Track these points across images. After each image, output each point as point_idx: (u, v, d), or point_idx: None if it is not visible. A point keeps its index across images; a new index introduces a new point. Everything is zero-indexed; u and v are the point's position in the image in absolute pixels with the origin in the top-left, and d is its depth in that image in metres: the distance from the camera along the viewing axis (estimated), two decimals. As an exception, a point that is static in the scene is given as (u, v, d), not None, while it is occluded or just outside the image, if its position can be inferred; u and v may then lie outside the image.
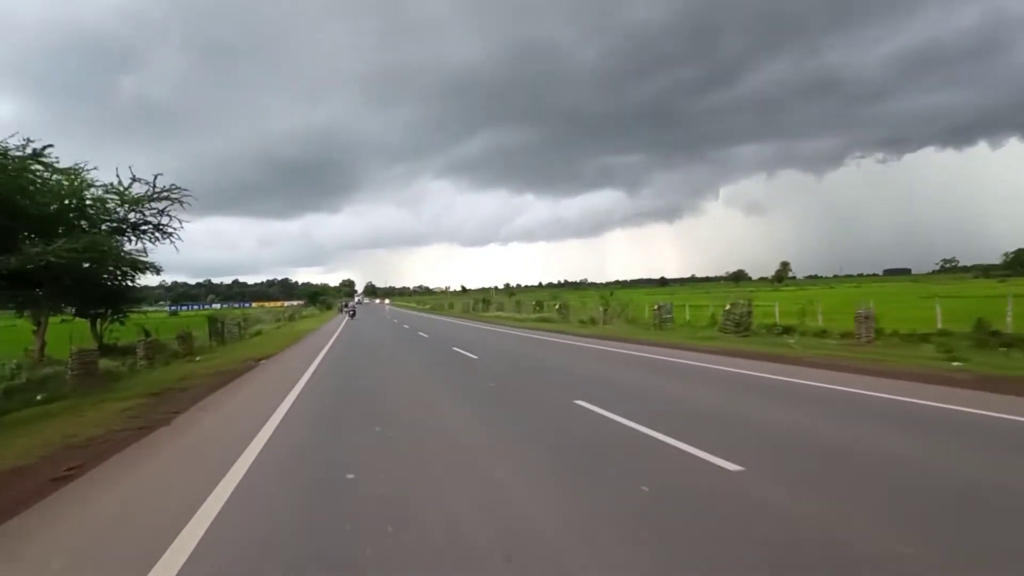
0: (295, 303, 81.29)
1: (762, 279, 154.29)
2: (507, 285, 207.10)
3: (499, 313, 36.56)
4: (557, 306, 30.32)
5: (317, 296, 75.17)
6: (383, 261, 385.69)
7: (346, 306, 48.18)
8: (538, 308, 32.55)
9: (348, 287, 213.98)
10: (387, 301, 77.25)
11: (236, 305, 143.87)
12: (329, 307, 63.95)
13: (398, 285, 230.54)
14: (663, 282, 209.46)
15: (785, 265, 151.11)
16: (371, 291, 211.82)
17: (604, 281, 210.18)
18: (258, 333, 22.60)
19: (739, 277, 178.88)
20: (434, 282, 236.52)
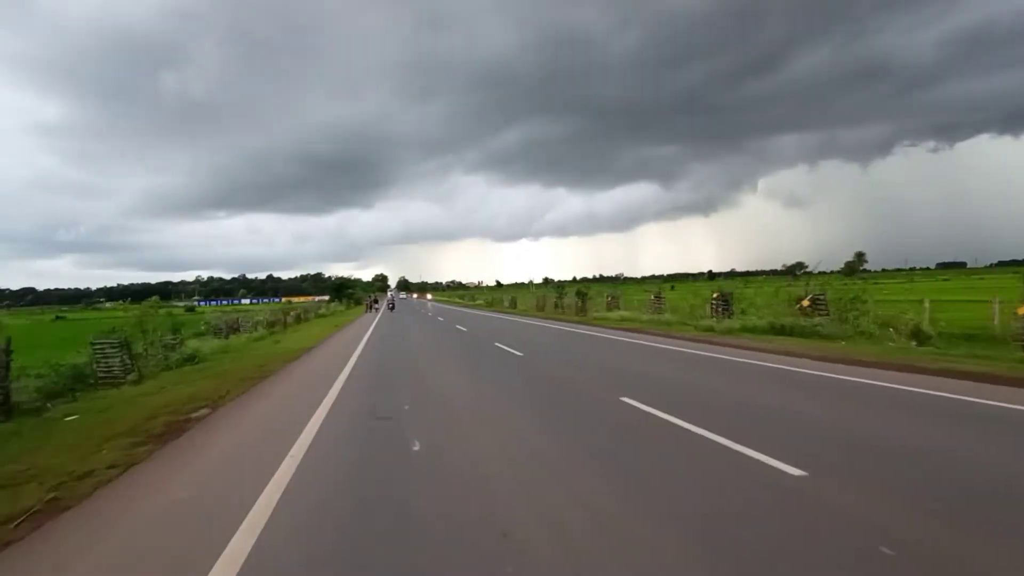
0: (318, 299, 73.02)
1: (807, 273, 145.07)
2: (547, 280, 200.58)
3: (608, 314, 23.65)
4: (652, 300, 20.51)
5: (343, 290, 64.28)
6: (415, 256, 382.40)
7: (375, 302, 38.61)
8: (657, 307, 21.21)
9: (380, 281, 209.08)
10: (429, 296, 65.67)
11: (254, 301, 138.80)
12: (358, 302, 52.44)
13: (430, 280, 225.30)
14: (711, 276, 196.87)
15: (860, 256, 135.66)
16: (404, 285, 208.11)
17: (639, 275, 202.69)
18: (189, 360, 11.76)
19: (795, 270, 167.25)
20: (466, 277, 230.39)
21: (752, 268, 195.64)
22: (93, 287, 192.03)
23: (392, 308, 47.26)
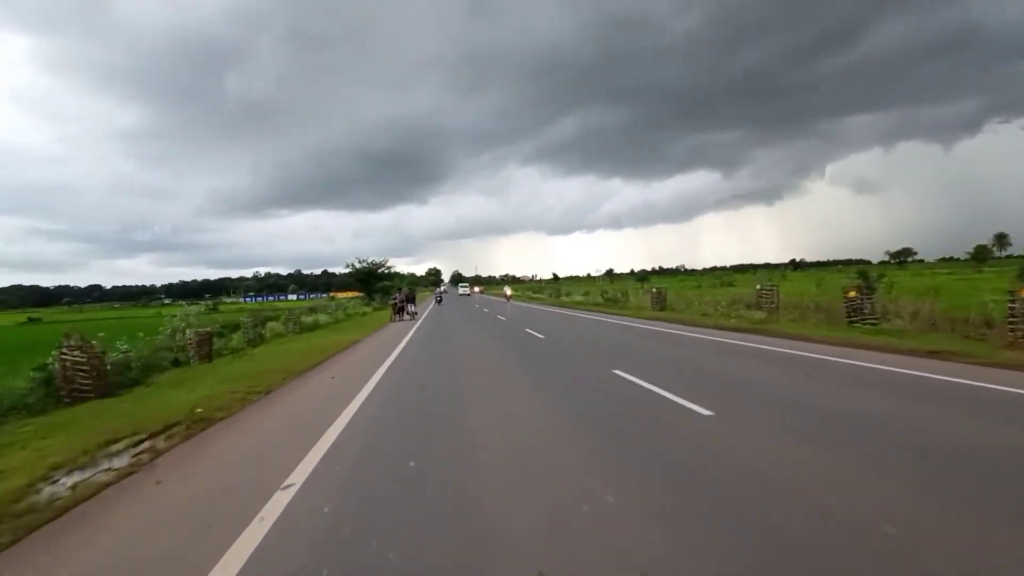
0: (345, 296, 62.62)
1: (882, 263, 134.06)
2: (610, 272, 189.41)
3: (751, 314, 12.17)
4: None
5: (373, 282, 46.84)
6: (469, 251, 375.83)
7: (407, 301, 25.15)
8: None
9: (434, 276, 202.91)
10: (508, 291, 50.60)
11: (301, 296, 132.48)
12: (394, 302, 27.29)
13: (484, 274, 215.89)
14: (795, 265, 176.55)
15: (1002, 239, 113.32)
16: (457, 279, 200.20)
17: (700, 267, 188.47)
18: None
19: (903, 256, 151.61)
20: (520, 271, 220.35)
21: (821, 258, 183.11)
22: (161, 284, 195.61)
23: (439, 301, 44.43)
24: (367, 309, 35.89)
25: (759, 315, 15.92)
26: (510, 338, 13.75)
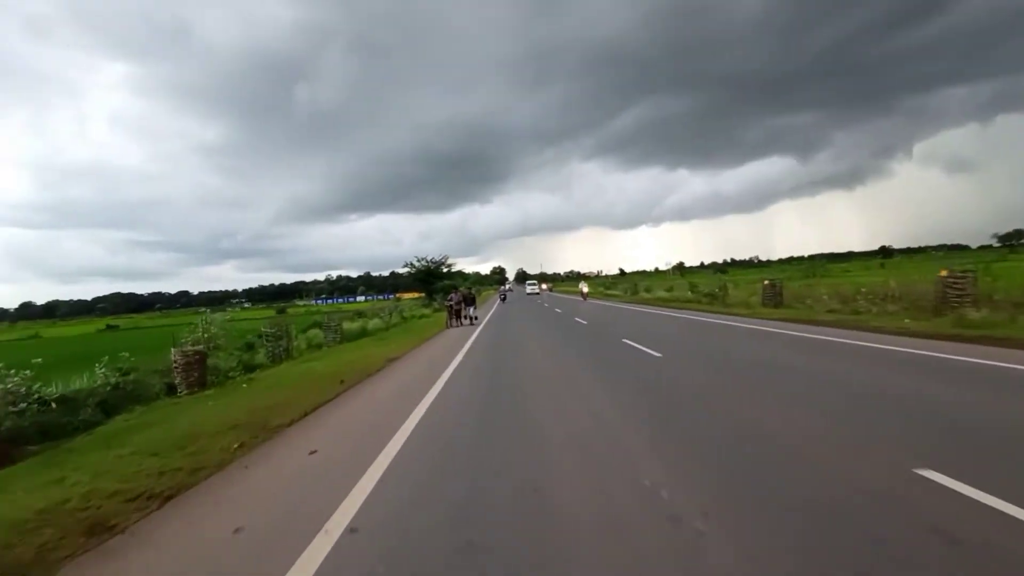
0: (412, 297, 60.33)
1: (985, 247, 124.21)
2: (681, 265, 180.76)
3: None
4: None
5: (433, 282, 42.96)
6: (533, 248, 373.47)
7: (464, 303, 21.00)
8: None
9: (498, 274, 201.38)
10: (584, 288, 43.84)
11: (369, 298, 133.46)
12: (449, 305, 22.36)
13: (549, 271, 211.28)
14: (885, 252, 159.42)
15: None
16: (522, 277, 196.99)
17: (775, 258, 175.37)
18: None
19: (1016, 237, 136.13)
20: (585, 266, 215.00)
21: (912, 244, 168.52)
22: (243, 289, 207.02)
23: (504, 299, 44.48)
24: (426, 311, 32.53)
25: (975, 315, 10.64)
26: (610, 359, 9.29)
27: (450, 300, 21.41)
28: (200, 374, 9.97)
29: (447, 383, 8.12)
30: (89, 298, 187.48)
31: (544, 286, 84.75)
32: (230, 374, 11.36)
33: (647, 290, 39.03)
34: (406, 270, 44.54)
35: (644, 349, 9.93)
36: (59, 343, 40.46)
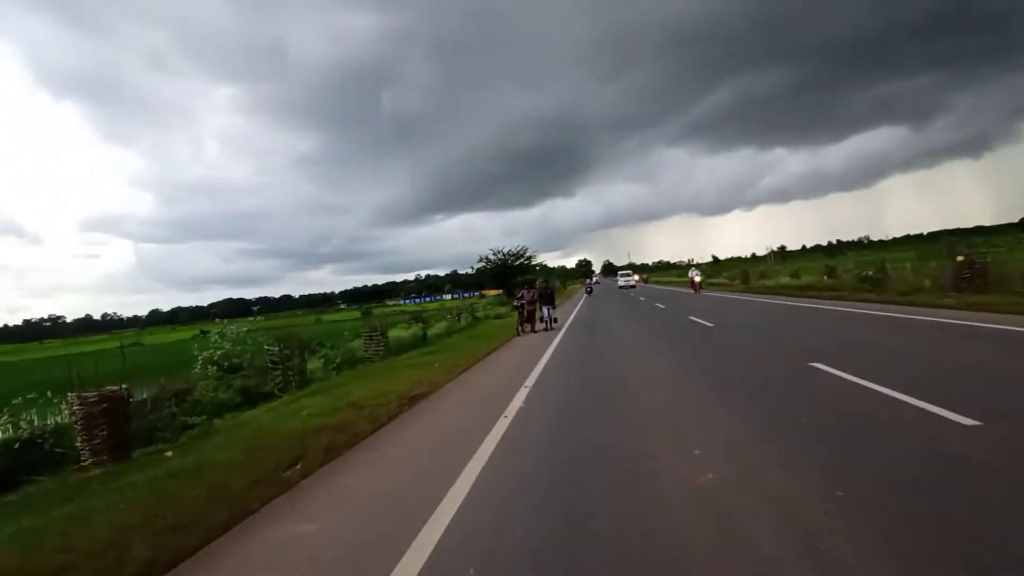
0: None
1: None
2: (783, 248, 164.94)
3: None
4: None
5: (510, 279, 38.12)
6: (619, 239, 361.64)
7: (539, 299, 15.93)
8: None
9: (584, 267, 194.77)
10: (696, 277, 33.63)
11: (456, 296, 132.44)
12: (519, 305, 17.48)
13: (637, 262, 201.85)
14: None
15: None
16: (609, 269, 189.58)
17: (888, 237, 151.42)
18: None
19: None
20: (674, 255, 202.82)
21: None
22: (340, 291, 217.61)
23: (590, 292, 43.17)
24: (502, 309, 28.44)
25: None
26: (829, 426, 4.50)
27: (520, 299, 16.70)
28: (115, 432, 6.26)
29: (501, 442, 3.77)
30: (205, 304, 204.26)
31: (636, 277, 73.67)
32: (191, 422, 7.66)
33: (763, 276, 32.24)
34: (481, 265, 40.54)
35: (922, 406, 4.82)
36: (143, 352, 41.15)
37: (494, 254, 39.36)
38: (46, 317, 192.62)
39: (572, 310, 23.72)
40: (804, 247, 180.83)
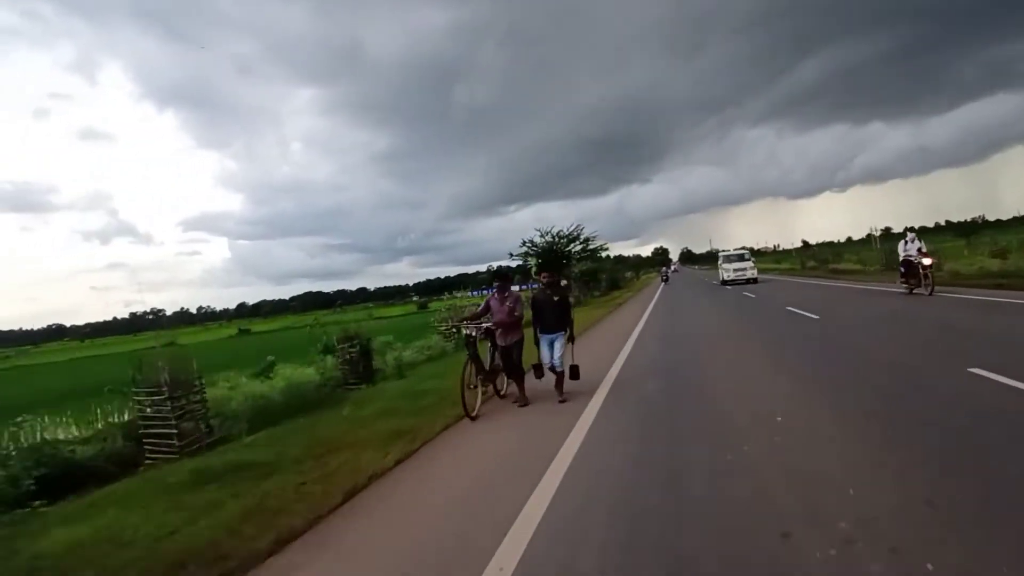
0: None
1: None
2: (888, 231, 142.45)
3: None
4: None
5: (570, 265, 29.41)
6: (698, 225, 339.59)
7: (508, 344, 7.38)
8: None
9: (661, 255, 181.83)
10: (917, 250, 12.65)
11: (523, 288, 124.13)
12: (470, 339, 6.30)
13: (720, 248, 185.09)
14: None
15: None
16: (688, 257, 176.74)
17: (1007, 216, 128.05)
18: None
19: None
20: (758, 241, 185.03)
21: None
22: (413, 283, 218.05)
23: (666, 280, 43.30)
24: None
25: None
26: None
27: (475, 322, 6.50)
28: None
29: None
30: (287, 297, 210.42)
31: (751, 265, 34.59)
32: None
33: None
34: (523, 252, 30.92)
35: None
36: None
37: (541, 236, 29.40)
38: (148, 310, 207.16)
39: (639, 318, 15.51)
40: (906, 229, 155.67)
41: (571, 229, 28.56)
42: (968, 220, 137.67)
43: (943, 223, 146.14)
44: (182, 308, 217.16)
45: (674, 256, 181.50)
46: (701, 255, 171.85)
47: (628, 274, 78.62)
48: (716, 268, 34.37)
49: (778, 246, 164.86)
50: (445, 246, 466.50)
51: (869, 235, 58.41)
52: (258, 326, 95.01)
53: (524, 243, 28.78)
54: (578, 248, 29.28)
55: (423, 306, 75.99)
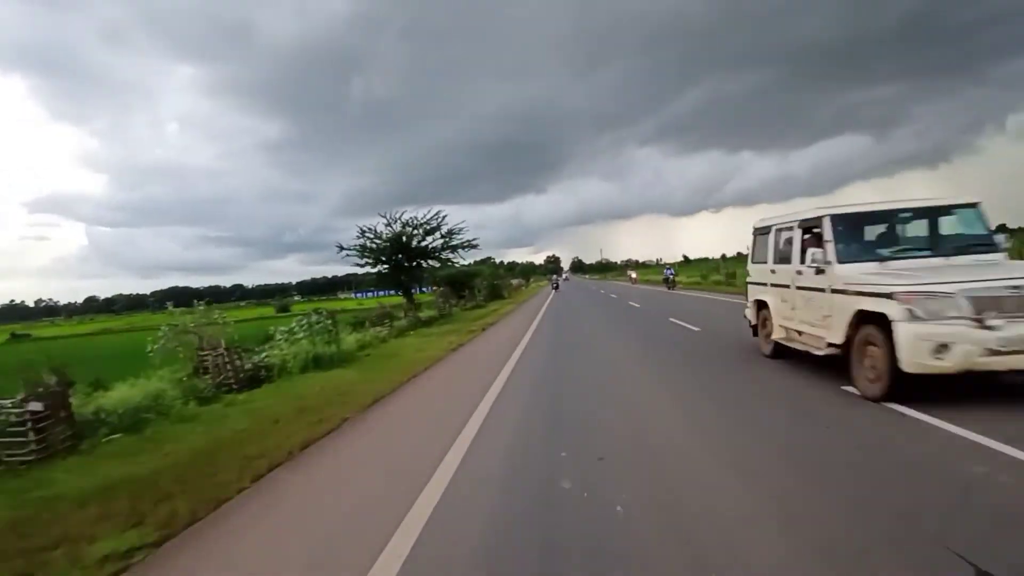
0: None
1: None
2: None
3: None
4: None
5: (413, 265, 22.20)
6: (589, 237, 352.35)
7: None
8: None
9: (553, 263, 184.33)
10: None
11: (393, 292, 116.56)
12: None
13: (607, 260, 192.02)
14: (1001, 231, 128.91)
15: None
16: (578, 267, 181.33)
17: None
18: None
19: None
20: (643, 255, 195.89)
21: (1010, 225, 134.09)
22: (297, 281, 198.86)
23: (556, 287, 44.94)
24: (380, 331, 14.05)
25: None
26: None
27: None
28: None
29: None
30: (148, 292, 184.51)
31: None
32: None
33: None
34: (360, 245, 21.46)
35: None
36: None
37: (387, 224, 21.66)
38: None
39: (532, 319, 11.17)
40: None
41: (428, 216, 21.91)
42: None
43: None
44: (12, 301, 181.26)
45: (565, 265, 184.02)
46: (591, 265, 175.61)
47: (515, 281, 74.51)
48: (606, 278, 39.90)
49: (660, 259, 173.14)
50: (334, 244, 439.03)
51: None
52: (75, 328, 78.08)
53: (363, 232, 21.20)
54: (438, 242, 22.51)
55: (283, 309, 65.37)
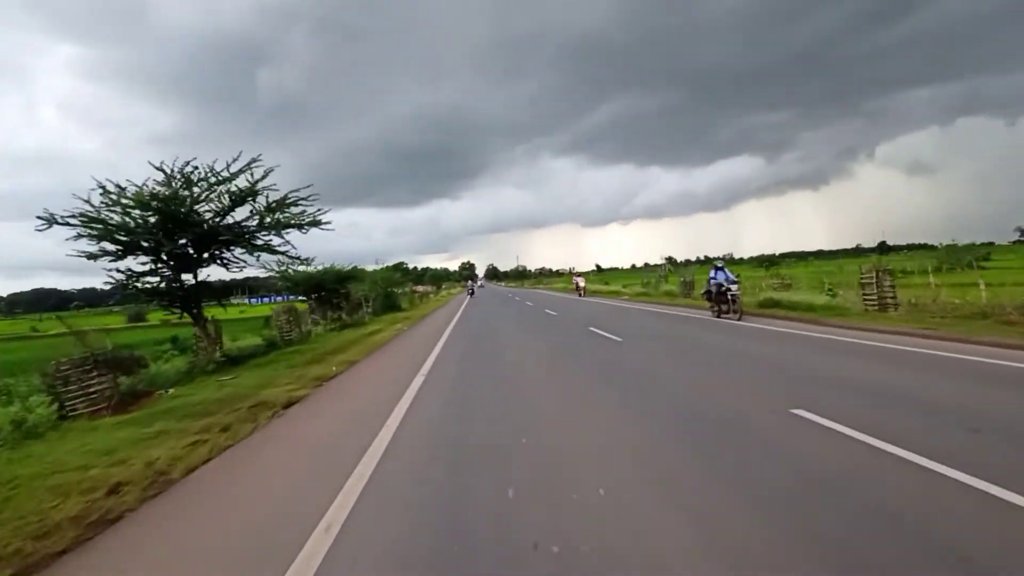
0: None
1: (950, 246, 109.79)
2: (672, 260, 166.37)
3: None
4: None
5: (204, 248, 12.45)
6: (505, 244, 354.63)
7: None
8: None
9: (467, 270, 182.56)
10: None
11: (292, 297, 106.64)
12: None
13: (522, 268, 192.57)
14: (884, 248, 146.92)
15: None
16: (493, 274, 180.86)
17: (745, 256, 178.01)
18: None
19: None
20: (557, 264, 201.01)
21: (872, 243, 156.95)
22: (190, 283, 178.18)
23: (472, 293, 47.76)
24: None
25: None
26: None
27: None
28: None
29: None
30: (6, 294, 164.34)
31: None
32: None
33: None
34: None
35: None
36: None
37: (166, 176, 11.46)
38: None
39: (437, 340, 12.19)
40: (673, 261, 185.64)
41: (233, 161, 11.98)
42: (719, 256, 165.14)
43: (703, 257, 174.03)
44: None
45: (480, 272, 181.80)
46: (507, 272, 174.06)
47: (422, 288, 68.79)
48: (523, 285, 48.40)
49: (573, 268, 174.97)
50: (43, 213, 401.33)
51: (665, 264, 59.65)
52: None
53: (101, 186, 10.56)
54: (253, 219, 12.84)
55: (138, 317, 54.76)
